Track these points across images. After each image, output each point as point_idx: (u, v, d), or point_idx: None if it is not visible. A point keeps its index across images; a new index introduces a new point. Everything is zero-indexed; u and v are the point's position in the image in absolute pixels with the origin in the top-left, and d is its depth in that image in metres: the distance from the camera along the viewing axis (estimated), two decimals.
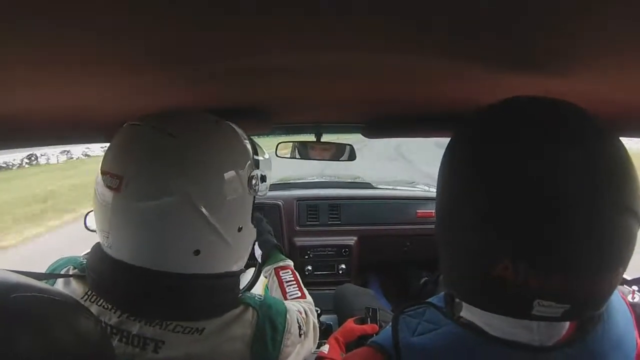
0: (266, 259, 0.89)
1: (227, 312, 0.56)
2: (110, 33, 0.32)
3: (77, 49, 0.35)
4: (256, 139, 0.69)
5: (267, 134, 1.36)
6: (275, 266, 0.86)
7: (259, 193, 0.62)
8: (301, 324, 0.62)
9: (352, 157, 1.43)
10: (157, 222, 0.51)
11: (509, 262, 0.34)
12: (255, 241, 0.72)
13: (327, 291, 1.53)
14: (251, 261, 1.04)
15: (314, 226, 1.74)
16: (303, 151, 1.42)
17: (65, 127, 0.74)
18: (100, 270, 0.55)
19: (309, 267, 1.72)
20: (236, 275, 0.61)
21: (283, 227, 1.70)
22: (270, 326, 0.56)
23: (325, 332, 1.29)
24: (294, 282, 0.82)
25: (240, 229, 0.58)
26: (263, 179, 0.63)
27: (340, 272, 1.72)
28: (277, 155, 1.47)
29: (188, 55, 0.42)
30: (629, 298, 0.84)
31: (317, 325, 0.70)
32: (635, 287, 0.84)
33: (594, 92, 0.48)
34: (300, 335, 0.61)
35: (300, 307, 0.68)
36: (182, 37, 0.36)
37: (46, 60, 0.36)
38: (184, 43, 0.38)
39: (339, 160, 1.44)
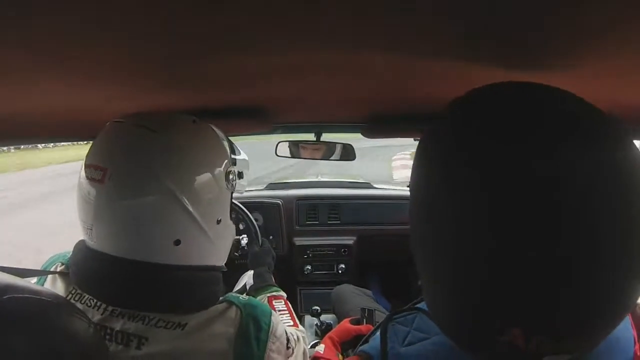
0: (256, 291, 0.92)
1: (210, 306, 0.56)
2: (110, 33, 0.32)
3: (77, 51, 0.34)
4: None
5: (267, 134, 1.36)
6: (269, 295, 0.88)
7: (236, 189, 0.65)
8: (290, 339, 0.62)
9: (348, 156, 1.42)
10: (139, 213, 0.52)
11: (518, 331, 0.28)
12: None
13: (326, 290, 1.53)
14: (243, 261, 1.06)
15: (313, 226, 1.74)
16: (296, 150, 1.42)
17: (65, 127, 0.74)
18: (84, 265, 0.55)
19: (309, 267, 1.72)
20: (217, 270, 0.62)
21: (283, 226, 1.70)
22: (254, 325, 0.56)
23: (325, 332, 1.29)
24: (287, 312, 0.83)
25: (219, 222, 0.60)
26: (240, 175, 0.66)
27: (340, 271, 1.72)
28: (277, 154, 1.48)
29: (188, 55, 0.42)
30: None
31: (308, 353, 0.71)
32: None
33: (593, 92, 0.47)
34: (288, 347, 0.61)
35: (293, 331, 0.68)
36: (181, 36, 0.35)
37: (46, 61, 0.36)
38: (183, 43, 0.37)
39: (331, 160, 1.43)
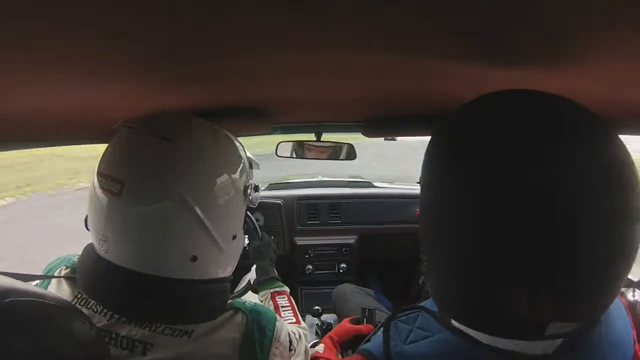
0: (259, 285, 0.92)
1: (219, 316, 0.56)
2: (111, 34, 0.32)
3: (78, 51, 0.34)
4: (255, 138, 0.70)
5: (268, 134, 1.36)
6: (272, 290, 0.88)
7: (252, 201, 0.63)
8: (292, 341, 0.62)
9: (350, 156, 1.42)
10: (157, 228, 0.51)
11: (523, 291, 0.31)
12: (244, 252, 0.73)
13: (327, 290, 1.53)
14: (245, 261, 1.06)
15: (314, 225, 1.74)
16: (300, 151, 1.42)
17: (66, 128, 0.74)
18: (94, 274, 0.54)
19: (310, 267, 1.72)
20: (227, 280, 0.62)
21: (284, 226, 1.70)
22: (258, 331, 0.57)
23: (326, 332, 1.30)
24: (290, 308, 0.84)
25: (234, 237, 0.59)
26: (256, 188, 0.65)
27: (341, 271, 1.72)
28: (277, 154, 1.47)
29: (188, 55, 0.42)
30: (629, 296, 0.84)
31: (309, 351, 0.71)
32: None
33: (588, 89, 0.47)
34: (290, 349, 0.61)
35: (295, 329, 0.68)
36: (182, 36, 0.35)
37: (47, 61, 0.36)
38: (183, 43, 0.37)
39: (337, 160, 1.43)
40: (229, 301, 0.60)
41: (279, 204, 1.70)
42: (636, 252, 0.32)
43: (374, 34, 0.37)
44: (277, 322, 0.59)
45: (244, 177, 0.60)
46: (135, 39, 0.34)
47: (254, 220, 1.13)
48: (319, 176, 2.26)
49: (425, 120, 0.95)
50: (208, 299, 0.56)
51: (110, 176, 0.52)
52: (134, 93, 0.56)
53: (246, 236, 1.15)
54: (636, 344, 0.41)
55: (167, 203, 0.51)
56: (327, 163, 1.55)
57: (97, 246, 0.55)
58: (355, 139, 1.52)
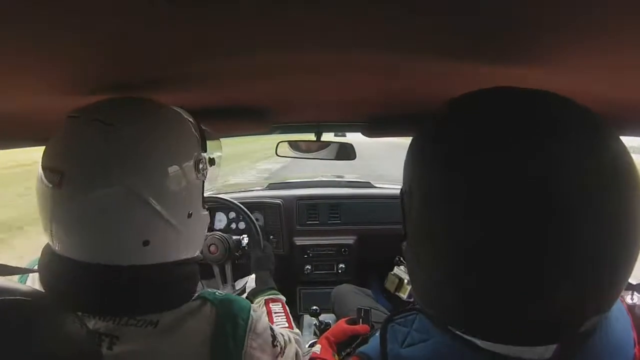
0: (255, 294, 0.92)
1: (183, 304, 0.54)
2: (110, 34, 0.32)
3: (76, 51, 0.34)
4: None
5: (267, 134, 1.37)
6: (266, 297, 0.88)
7: (208, 177, 0.59)
8: (277, 337, 0.60)
9: (350, 156, 1.43)
10: (101, 216, 0.49)
11: (539, 294, 0.30)
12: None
13: (326, 290, 1.54)
14: (243, 261, 1.06)
15: (313, 225, 1.74)
16: (299, 150, 1.43)
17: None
18: (49, 269, 0.52)
19: (309, 267, 1.72)
20: (191, 263, 0.58)
21: (283, 226, 1.70)
22: (230, 322, 0.54)
23: (324, 331, 1.30)
24: (283, 314, 0.82)
25: (190, 215, 0.56)
26: (212, 162, 0.60)
27: (340, 271, 1.72)
28: (277, 154, 1.48)
29: (188, 55, 0.42)
30: (628, 299, 0.84)
31: (301, 354, 0.69)
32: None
33: (588, 89, 0.47)
34: (274, 345, 0.58)
35: (285, 333, 0.66)
36: (181, 37, 0.35)
37: (47, 60, 0.36)
38: (183, 43, 0.37)
39: (335, 160, 1.44)
40: (199, 292, 0.57)
41: (278, 204, 1.70)
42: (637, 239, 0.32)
43: (374, 34, 0.37)
44: (252, 312, 0.56)
45: (195, 152, 0.56)
46: (135, 39, 0.34)
47: (259, 229, 1.14)
48: (319, 176, 2.26)
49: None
50: (168, 286, 0.53)
51: (50, 167, 0.50)
52: (132, 93, 0.56)
53: (245, 236, 1.15)
54: (637, 345, 0.41)
55: (109, 190, 0.49)
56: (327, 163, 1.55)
57: (49, 242, 0.53)
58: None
